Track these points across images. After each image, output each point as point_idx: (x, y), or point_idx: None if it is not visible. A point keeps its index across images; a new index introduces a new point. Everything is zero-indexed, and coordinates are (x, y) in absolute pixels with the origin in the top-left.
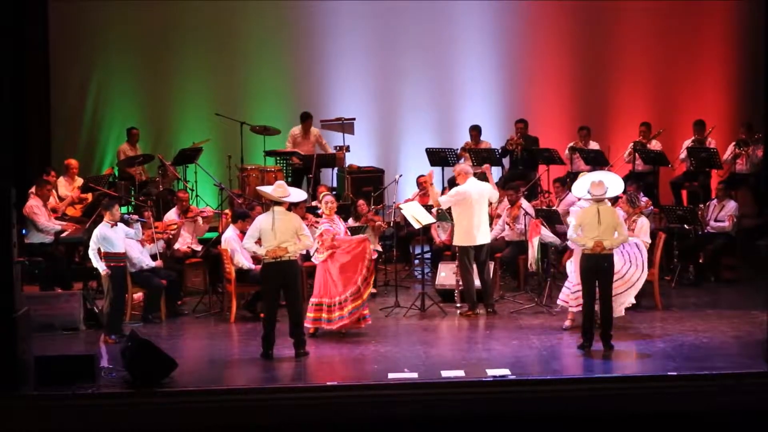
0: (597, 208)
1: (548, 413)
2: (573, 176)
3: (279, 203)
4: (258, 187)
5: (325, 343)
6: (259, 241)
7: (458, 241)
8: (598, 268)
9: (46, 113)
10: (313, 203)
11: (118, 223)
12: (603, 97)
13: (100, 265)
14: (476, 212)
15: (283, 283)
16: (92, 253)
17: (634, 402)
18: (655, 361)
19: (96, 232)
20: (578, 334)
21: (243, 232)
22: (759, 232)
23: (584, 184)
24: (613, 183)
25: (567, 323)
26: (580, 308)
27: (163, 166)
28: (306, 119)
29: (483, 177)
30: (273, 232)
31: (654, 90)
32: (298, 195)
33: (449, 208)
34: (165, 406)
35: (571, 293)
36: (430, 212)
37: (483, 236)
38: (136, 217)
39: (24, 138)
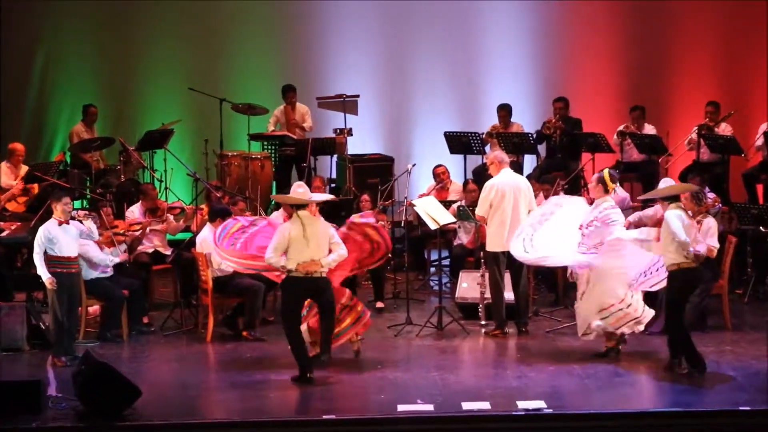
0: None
1: None
2: (624, 166)
3: (302, 207)
4: (274, 196)
5: (321, 368)
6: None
7: (487, 245)
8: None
9: None
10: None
11: (70, 221)
12: (660, 70)
13: (43, 272)
14: (509, 210)
15: (316, 301)
16: (37, 258)
17: None
18: (723, 393)
19: (41, 231)
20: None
21: None
22: None
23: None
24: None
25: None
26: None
27: (125, 151)
28: (288, 92)
29: (517, 166)
30: (305, 240)
31: (723, 63)
32: (320, 195)
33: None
34: None
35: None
36: (450, 209)
37: None
38: (83, 212)
39: None
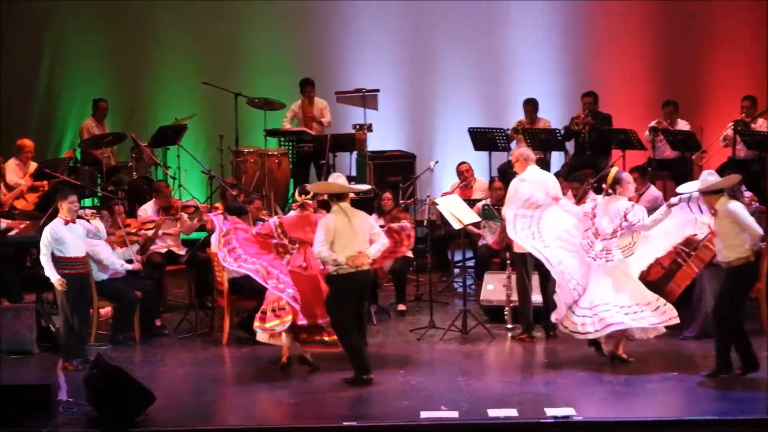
0: None
1: None
2: (656, 164)
3: (342, 197)
4: (311, 186)
5: (339, 371)
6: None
7: (514, 245)
8: None
9: None
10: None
11: (77, 220)
12: (694, 63)
13: (52, 273)
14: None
15: (360, 296)
16: (44, 259)
17: None
18: (760, 401)
19: (46, 231)
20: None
21: None
22: None
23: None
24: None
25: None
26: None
27: (137, 147)
28: (306, 86)
29: (544, 164)
30: (353, 232)
31: (759, 56)
32: (359, 186)
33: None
34: None
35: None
36: (474, 208)
37: None
38: (90, 211)
39: None
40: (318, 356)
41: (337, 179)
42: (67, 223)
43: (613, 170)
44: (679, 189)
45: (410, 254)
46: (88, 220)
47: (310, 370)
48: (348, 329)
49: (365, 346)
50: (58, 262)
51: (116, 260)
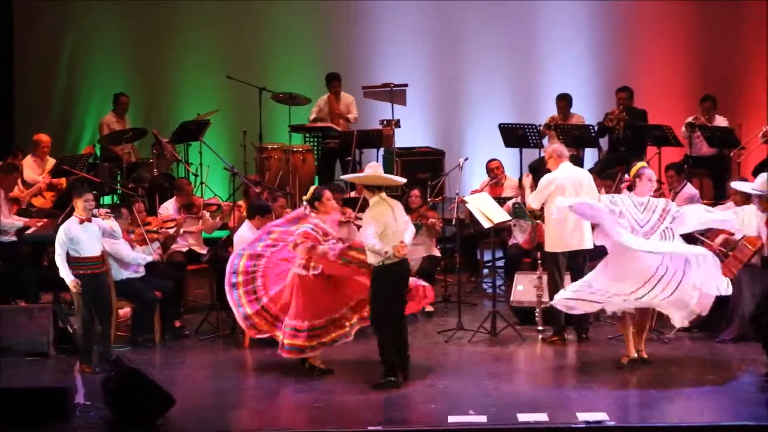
0: None
1: None
2: (692, 161)
3: (381, 187)
4: (348, 177)
5: (366, 374)
6: None
7: (547, 245)
8: None
9: (7, 75)
10: (351, 194)
11: (93, 219)
12: (732, 59)
13: (66, 274)
14: None
15: (400, 288)
16: (59, 259)
17: None
18: None
19: (61, 231)
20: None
21: None
22: None
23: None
24: None
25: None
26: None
27: (158, 143)
28: (332, 81)
29: (577, 161)
30: (396, 222)
31: None
32: (397, 177)
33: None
34: None
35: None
36: (504, 207)
37: (579, 239)
38: (104, 211)
39: None
40: (336, 361)
41: (378, 169)
42: (82, 221)
43: (638, 164)
44: (733, 185)
45: (438, 253)
46: (102, 219)
47: (318, 374)
48: (386, 324)
49: (406, 347)
50: (73, 262)
51: (138, 255)
